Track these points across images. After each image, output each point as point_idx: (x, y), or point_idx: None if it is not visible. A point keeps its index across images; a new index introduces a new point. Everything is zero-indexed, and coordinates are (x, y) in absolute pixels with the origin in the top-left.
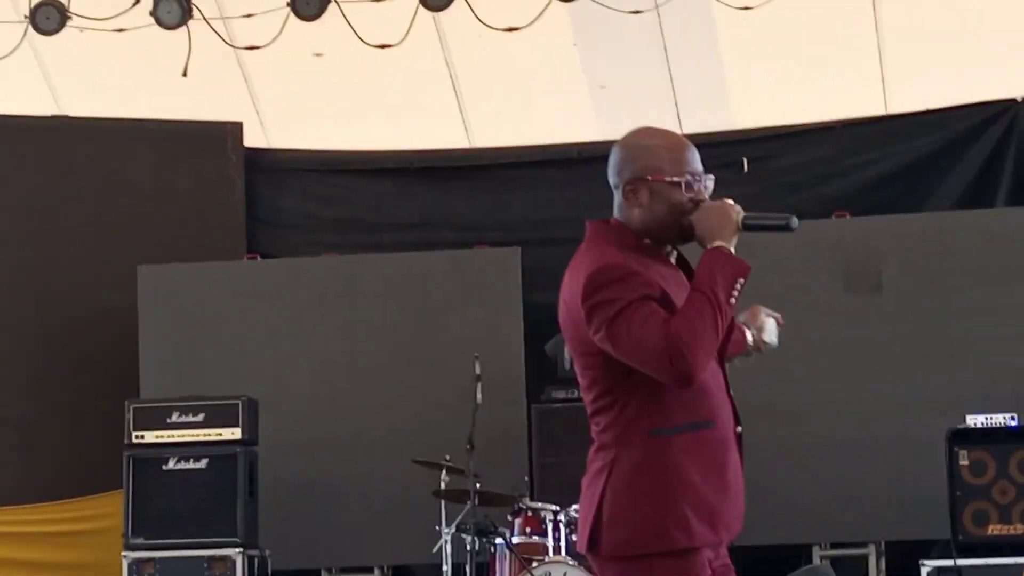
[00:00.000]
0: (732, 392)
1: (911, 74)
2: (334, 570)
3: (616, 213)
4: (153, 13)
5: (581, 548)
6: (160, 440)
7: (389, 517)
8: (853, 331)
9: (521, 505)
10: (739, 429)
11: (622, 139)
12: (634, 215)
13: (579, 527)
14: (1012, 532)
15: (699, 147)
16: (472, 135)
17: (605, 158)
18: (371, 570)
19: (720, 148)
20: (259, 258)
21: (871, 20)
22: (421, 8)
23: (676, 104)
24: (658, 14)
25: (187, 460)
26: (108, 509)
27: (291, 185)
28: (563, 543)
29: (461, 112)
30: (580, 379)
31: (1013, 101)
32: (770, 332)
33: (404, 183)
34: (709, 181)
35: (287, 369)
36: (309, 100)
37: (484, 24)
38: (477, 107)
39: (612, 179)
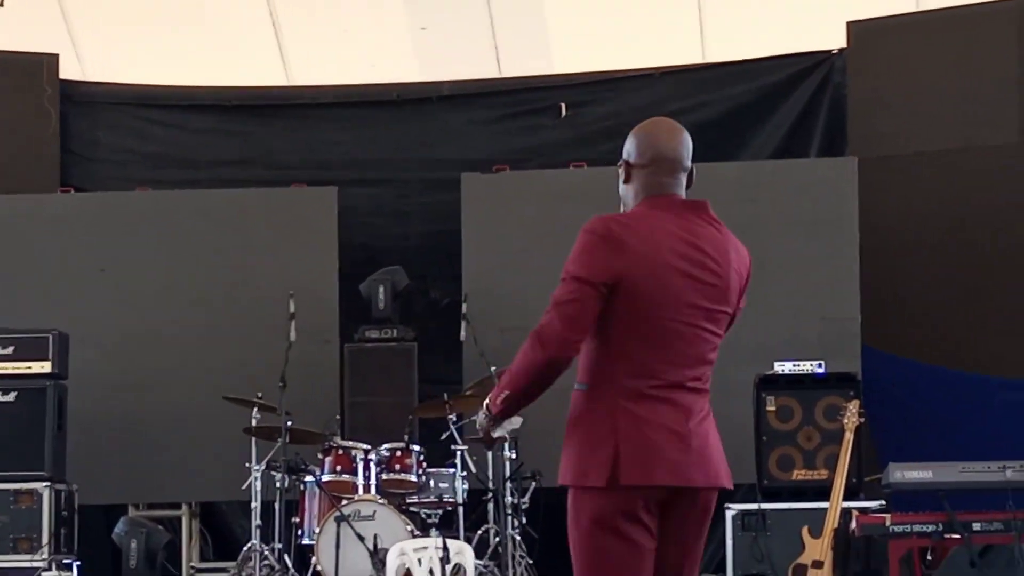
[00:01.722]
0: None
1: (729, 24)
2: (141, 506)
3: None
4: None
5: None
6: None
7: (199, 453)
8: None
9: (331, 443)
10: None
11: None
12: None
13: (718, 462)
14: (816, 477)
15: (517, 92)
16: (291, 73)
17: (423, 100)
18: (179, 506)
19: (538, 93)
20: (72, 191)
21: None
22: None
23: (496, 48)
24: None
25: None
26: None
27: (107, 119)
28: (373, 481)
29: (280, 50)
30: (712, 336)
31: (828, 53)
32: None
33: (221, 120)
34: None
35: (99, 303)
36: (127, 34)
37: None
38: (297, 45)
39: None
